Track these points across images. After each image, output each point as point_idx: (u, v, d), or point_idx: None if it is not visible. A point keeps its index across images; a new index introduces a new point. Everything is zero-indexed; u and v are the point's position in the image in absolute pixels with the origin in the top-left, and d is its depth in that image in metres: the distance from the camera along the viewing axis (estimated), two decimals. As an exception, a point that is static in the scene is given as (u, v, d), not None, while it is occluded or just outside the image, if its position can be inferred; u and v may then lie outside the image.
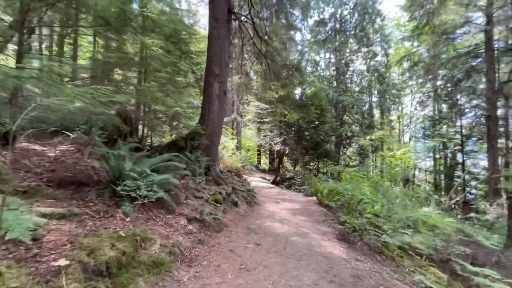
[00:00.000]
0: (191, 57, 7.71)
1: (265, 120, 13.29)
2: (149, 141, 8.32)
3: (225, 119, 12.34)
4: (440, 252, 5.60)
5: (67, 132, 4.56)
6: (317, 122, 12.16)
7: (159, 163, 3.72)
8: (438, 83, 20.81)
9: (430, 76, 17.24)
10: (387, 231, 5.85)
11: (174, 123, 7.78)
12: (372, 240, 4.94)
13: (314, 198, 8.06)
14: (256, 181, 14.61)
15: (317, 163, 13.95)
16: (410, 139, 28.20)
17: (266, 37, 8.28)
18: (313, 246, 3.73)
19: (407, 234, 6.26)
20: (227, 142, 15.15)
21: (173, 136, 7.87)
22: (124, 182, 3.07)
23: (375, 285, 2.87)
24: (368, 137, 16.85)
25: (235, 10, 7.47)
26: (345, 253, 3.73)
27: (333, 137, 16.25)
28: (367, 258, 3.89)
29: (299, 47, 23.69)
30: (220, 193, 5.27)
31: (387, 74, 25.17)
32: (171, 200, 3.62)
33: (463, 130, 19.34)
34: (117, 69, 6.03)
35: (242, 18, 7.71)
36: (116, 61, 5.11)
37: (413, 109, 27.73)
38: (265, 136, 13.59)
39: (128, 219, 2.88)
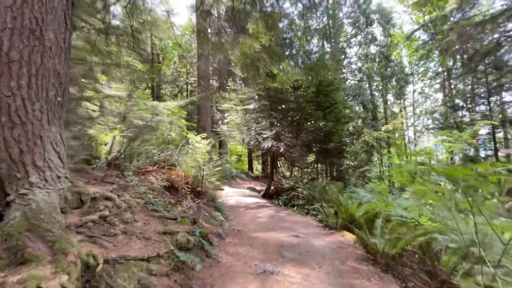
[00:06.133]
0: None
1: (247, 106, 9.04)
2: None
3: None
4: None
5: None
6: (326, 103, 7.97)
7: None
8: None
9: (455, 48, 13.39)
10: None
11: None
12: None
13: (347, 236, 3.81)
14: (240, 194, 10.26)
15: (324, 165, 9.76)
16: (415, 133, 24.44)
17: None
18: None
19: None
20: (198, 142, 10.61)
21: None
22: None
23: None
24: (383, 127, 12.81)
25: None
26: None
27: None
28: None
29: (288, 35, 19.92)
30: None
31: (391, 56, 21.60)
32: None
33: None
34: None
35: None
36: None
37: (416, 98, 24.25)
38: (249, 129, 9.28)
39: None
